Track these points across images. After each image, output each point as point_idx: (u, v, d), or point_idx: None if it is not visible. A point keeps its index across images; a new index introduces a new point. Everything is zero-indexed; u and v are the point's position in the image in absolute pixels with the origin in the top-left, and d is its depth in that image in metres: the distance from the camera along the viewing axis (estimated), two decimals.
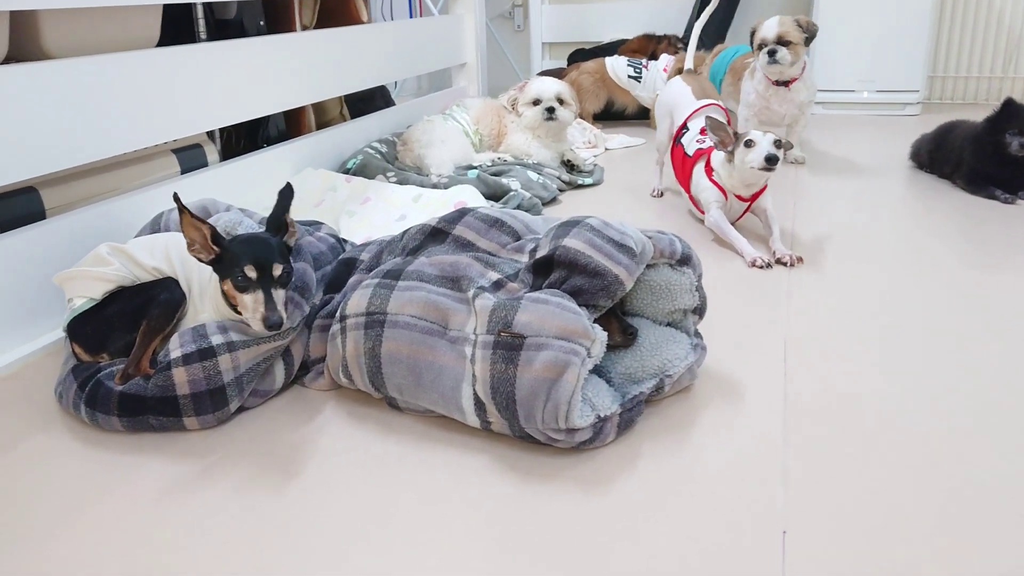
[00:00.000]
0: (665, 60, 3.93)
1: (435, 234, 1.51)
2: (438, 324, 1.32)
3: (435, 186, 2.56)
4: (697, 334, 1.46)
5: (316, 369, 1.46)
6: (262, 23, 2.68)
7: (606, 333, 1.27)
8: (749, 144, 2.06)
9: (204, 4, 2.41)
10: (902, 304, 1.77)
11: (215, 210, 1.65)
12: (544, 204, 2.63)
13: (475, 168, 2.74)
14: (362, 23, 3.12)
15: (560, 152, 3.00)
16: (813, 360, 1.51)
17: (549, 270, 1.34)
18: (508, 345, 1.22)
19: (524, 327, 1.23)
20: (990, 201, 2.58)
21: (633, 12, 4.73)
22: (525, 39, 5.01)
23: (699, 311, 1.46)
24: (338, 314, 1.40)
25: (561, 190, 2.80)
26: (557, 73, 4.22)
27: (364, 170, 2.65)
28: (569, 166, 3.03)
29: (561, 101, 2.89)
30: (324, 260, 1.59)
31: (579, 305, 1.30)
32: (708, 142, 2.28)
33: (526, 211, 2.49)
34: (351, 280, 1.50)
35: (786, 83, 2.98)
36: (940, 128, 2.94)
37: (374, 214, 2.33)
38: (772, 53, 2.88)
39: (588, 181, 2.89)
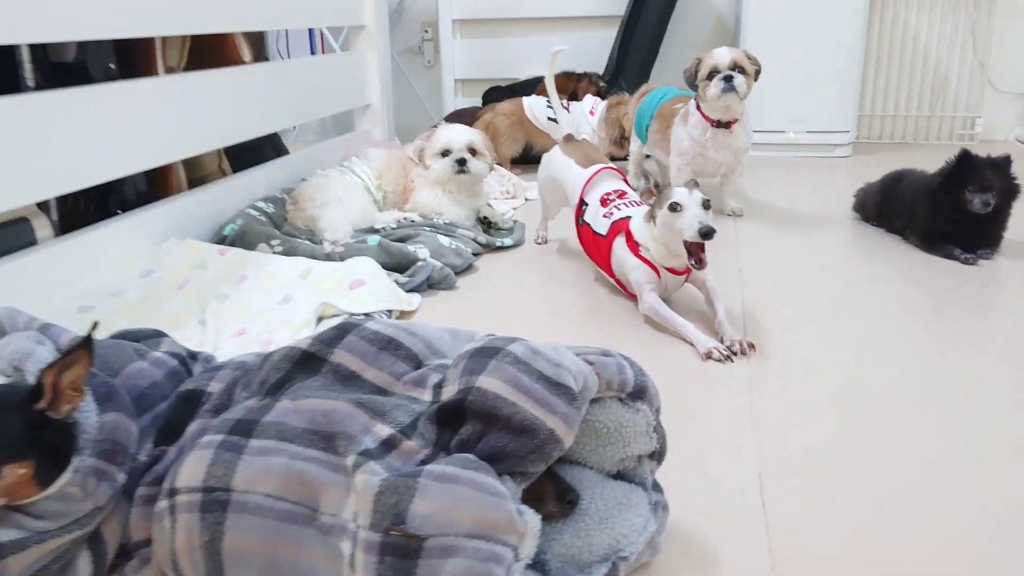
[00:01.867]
0: (591, 102, 3.64)
1: (306, 361, 1.12)
2: (304, 505, 0.93)
3: (328, 257, 2.18)
4: (656, 486, 1.12)
5: (140, 556, 1.06)
6: (112, 66, 2.25)
7: (539, 517, 0.92)
8: (675, 208, 1.76)
9: (31, 45, 1.98)
10: (880, 398, 1.47)
11: (12, 326, 1.23)
12: (457, 273, 2.27)
13: (377, 233, 2.36)
14: (243, 63, 2.71)
15: (475, 208, 2.65)
16: (794, 498, 1.19)
17: (460, 421, 0.98)
18: (401, 550, 0.85)
19: (424, 522, 0.86)
20: (948, 260, 2.34)
21: (551, 47, 4.44)
22: (436, 76, 4.67)
23: (657, 456, 1.12)
24: (166, 485, 1.00)
25: (477, 254, 2.45)
26: (470, 114, 3.89)
27: (244, 237, 2.24)
28: (486, 224, 2.69)
29: (474, 151, 2.55)
30: (158, 394, 1.18)
31: (501, 473, 0.94)
32: (621, 212, 1.99)
33: (436, 284, 2.13)
34: (190, 428, 1.10)
35: (727, 125, 2.71)
36: (887, 179, 2.72)
37: (251, 297, 1.92)
38: (728, 79, 2.60)
39: (508, 242, 2.55)
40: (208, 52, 2.55)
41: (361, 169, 2.60)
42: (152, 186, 2.43)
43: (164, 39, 2.39)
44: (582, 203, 2.14)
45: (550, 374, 1.00)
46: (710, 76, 2.65)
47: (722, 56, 2.65)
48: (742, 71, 2.64)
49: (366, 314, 1.84)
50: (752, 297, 2.08)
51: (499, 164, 3.63)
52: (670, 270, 1.89)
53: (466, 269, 2.33)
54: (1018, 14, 4.06)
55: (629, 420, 1.07)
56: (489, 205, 2.80)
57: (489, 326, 1.96)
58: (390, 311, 1.92)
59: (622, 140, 3.47)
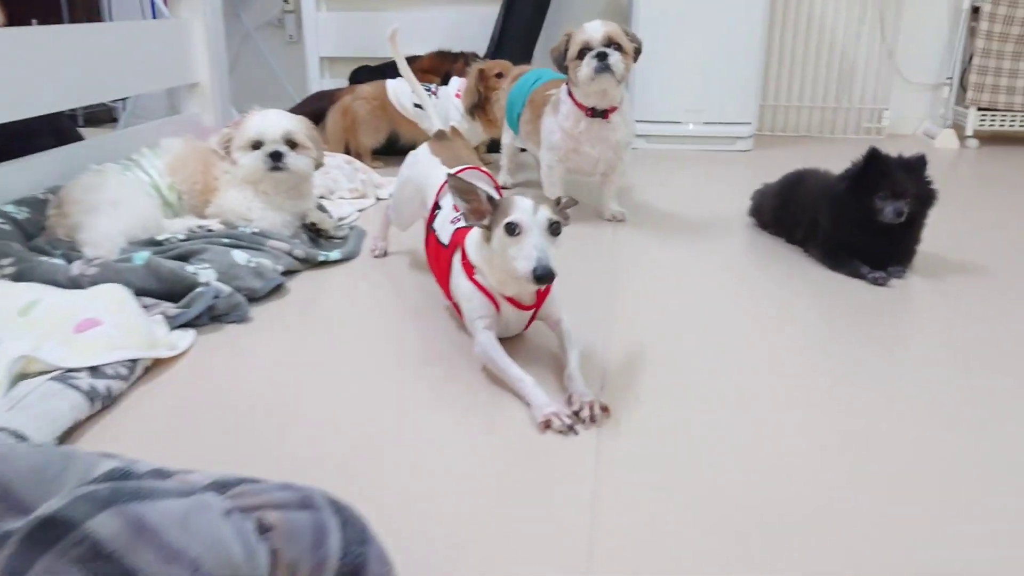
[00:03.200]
0: (457, 85, 3.18)
1: None
2: None
3: (75, 282, 1.66)
4: None
5: None
6: None
7: None
8: (513, 230, 1.33)
9: None
10: (763, 484, 1.06)
11: None
12: (260, 299, 1.79)
13: (149, 248, 1.85)
14: None
15: (299, 213, 2.16)
16: None
17: None
18: None
19: None
20: (854, 280, 1.98)
21: (428, 23, 3.97)
22: (299, 53, 4.13)
23: None
24: None
25: (292, 271, 1.97)
26: (328, 97, 3.38)
27: None
28: (315, 232, 2.20)
29: (293, 144, 2.05)
30: None
31: None
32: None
33: (222, 316, 1.65)
34: None
35: (604, 114, 2.29)
36: (785, 180, 2.34)
37: None
38: (603, 57, 2.18)
39: (334, 256, 2.07)
40: None
41: (150, 164, 2.08)
42: None
43: None
44: (436, 207, 1.69)
45: (177, 552, 0.54)
46: (581, 55, 2.22)
47: (594, 30, 2.22)
48: (619, 48, 2.22)
49: (93, 368, 1.35)
50: (622, 329, 1.66)
51: (357, 156, 3.15)
52: (512, 301, 1.45)
53: (274, 292, 1.85)
54: None
55: None
56: (322, 208, 2.31)
57: (278, 378, 1.51)
58: (134, 361, 1.42)
59: (474, 110, 3.02)
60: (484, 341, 1.43)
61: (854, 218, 2.02)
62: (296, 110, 3.53)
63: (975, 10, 3.64)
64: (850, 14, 3.77)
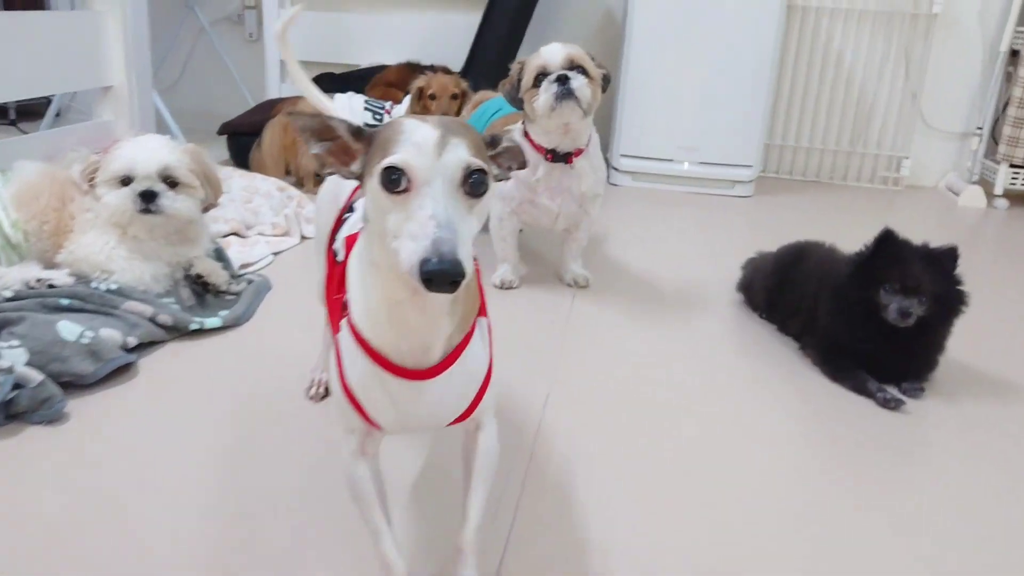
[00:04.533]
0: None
1: None
2: None
3: None
4: None
5: None
6: None
7: None
8: (394, 181, 0.77)
9: None
10: None
11: None
12: (92, 385, 1.38)
13: None
14: None
15: (180, 262, 1.76)
16: None
17: None
18: None
19: None
20: (859, 396, 1.57)
21: (402, 30, 3.56)
22: (259, 53, 3.73)
23: None
24: None
25: (153, 343, 1.57)
26: (275, 108, 2.97)
27: None
28: (202, 285, 1.80)
29: (173, 182, 1.65)
30: None
31: None
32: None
33: (27, 413, 1.26)
34: None
35: (567, 157, 1.89)
36: (782, 255, 1.93)
37: None
38: (563, 80, 1.77)
39: (211, 323, 1.66)
40: None
41: None
42: None
43: None
44: (348, 209, 1.13)
45: None
46: (537, 82, 1.81)
47: (553, 53, 1.82)
48: (583, 72, 1.81)
49: None
50: (559, 450, 1.25)
51: (299, 181, 2.75)
52: (397, 370, 0.89)
53: (118, 373, 1.44)
54: (960, 37, 3.37)
55: None
56: (219, 254, 1.90)
57: (85, 505, 1.11)
58: None
59: None
60: (346, 462, 0.98)
61: (858, 314, 1.61)
62: (243, 119, 3.14)
63: (1014, 53, 3.23)
64: (872, 49, 3.36)
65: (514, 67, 1.90)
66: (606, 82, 1.89)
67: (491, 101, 2.28)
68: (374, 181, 0.80)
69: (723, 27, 2.96)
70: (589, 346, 1.74)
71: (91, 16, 2.42)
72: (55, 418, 1.30)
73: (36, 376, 1.30)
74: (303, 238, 2.29)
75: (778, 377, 1.64)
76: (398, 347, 0.87)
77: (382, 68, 3.34)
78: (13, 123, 3.64)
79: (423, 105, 2.58)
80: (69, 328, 1.41)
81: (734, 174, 3.12)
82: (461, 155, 0.78)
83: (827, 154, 3.51)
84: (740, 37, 2.96)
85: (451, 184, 0.77)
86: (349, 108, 2.75)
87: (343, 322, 0.95)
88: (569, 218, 1.99)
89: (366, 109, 2.74)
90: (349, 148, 0.87)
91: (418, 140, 0.78)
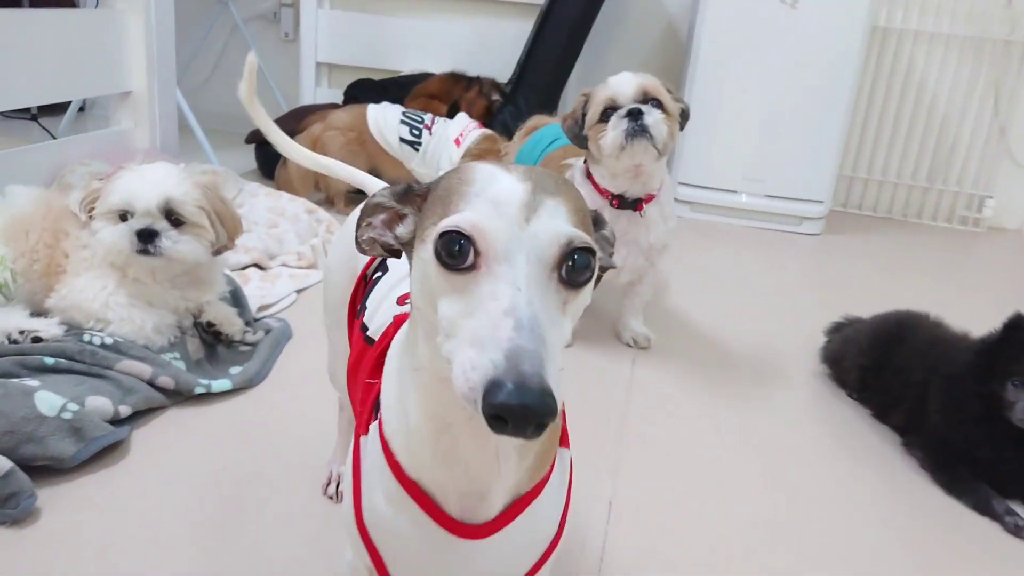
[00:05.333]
0: (462, 124, 2.54)
1: None
2: None
3: None
4: None
5: None
6: None
7: None
8: (457, 252, 0.54)
9: None
10: None
11: None
12: (72, 468, 1.16)
13: None
14: None
15: (191, 308, 1.53)
16: None
17: None
18: None
19: None
20: (979, 516, 1.31)
21: (447, 36, 3.32)
22: (294, 54, 3.51)
23: None
24: None
25: (152, 410, 1.34)
26: (307, 117, 2.75)
27: None
28: (213, 335, 1.57)
29: (177, 220, 1.42)
30: None
31: None
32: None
33: None
34: None
35: (636, 204, 1.64)
36: (880, 328, 1.66)
37: None
38: (635, 115, 1.53)
39: (219, 386, 1.43)
40: None
41: None
42: None
43: None
44: (369, 279, 0.92)
45: None
46: (605, 116, 1.57)
47: (624, 83, 1.58)
48: (658, 106, 1.57)
49: None
50: (622, 526, 1.01)
51: (329, 201, 2.53)
52: (438, 516, 0.65)
53: (104, 450, 1.22)
54: None
55: None
56: (235, 296, 1.67)
57: None
58: None
59: None
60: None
61: (978, 413, 1.36)
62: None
63: None
64: (958, 79, 3.06)
65: (577, 99, 1.66)
66: (684, 118, 1.64)
67: (546, 128, 2.04)
68: (426, 250, 0.56)
69: (799, 48, 2.69)
70: (654, 429, 1.49)
71: (110, 15, 2.20)
72: (21, 518, 1.08)
73: (3, 464, 1.08)
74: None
75: (876, 478, 1.39)
76: (443, 487, 0.64)
77: (424, 77, 3.10)
78: (34, 118, 3.46)
79: None
80: (48, 401, 1.18)
81: (802, 209, 2.85)
82: (560, 225, 0.55)
83: (902, 188, 3.22)
84: (817, 59, 2.69)
85: (542, 265, 0.54)
86: (384, 119, 2.52)
87: (373, 425, 0.72)
88: (633, 271, 1.74)
89: (403, 122, 2.51)
90: (396, 211, 0.64)
91: (497, 195, 0.55)
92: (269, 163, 2.87)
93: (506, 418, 0.47)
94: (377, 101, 3.13)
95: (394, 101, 3.09)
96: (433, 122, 2.53)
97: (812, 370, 1.78)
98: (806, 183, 2.82)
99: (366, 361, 0.80)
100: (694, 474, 1.36)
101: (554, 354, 0.51)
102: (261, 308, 1.77)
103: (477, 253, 0.54)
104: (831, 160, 2.80)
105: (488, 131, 2.50)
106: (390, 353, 0.72)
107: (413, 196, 0.63)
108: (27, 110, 3.51)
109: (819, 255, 2.69)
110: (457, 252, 0.54)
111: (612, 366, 1.72)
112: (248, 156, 3.00)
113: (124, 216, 1.40)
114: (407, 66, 3.34)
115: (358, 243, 0.66)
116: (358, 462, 0.74)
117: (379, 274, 0.90)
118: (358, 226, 0.65)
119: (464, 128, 2.48)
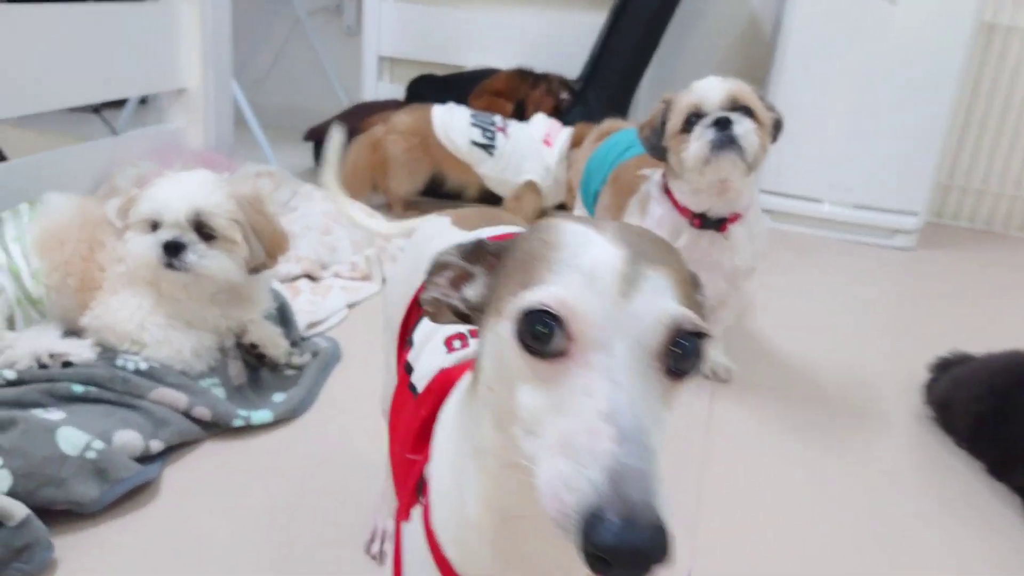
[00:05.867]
0: (545, 126, 2.38)
1: None
2: None
3: None
4: None
5: None
6: None
7: None
8: (546, 337, 0.45)
9: None
10: None
11: None
12: (96, 512, 1.06)
13: None
14: None
15: (233, 327, 1.42)
16: None
17: None
18: None
19: None
20: None
21: (514, 29, 3.17)
22: (356, 48, 3.40)
23: None
24: None
25: (186, 443, 1.24)
26: (363, 117, 2.63)
27: None
28: (257, 358, 1.46)
29: (209, 233, 1.30)
30: None
31: None
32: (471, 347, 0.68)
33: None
34: None
35: (720, 224, 1.47)
36: (999, 370, 1.46)
37: None
38: (723, 124, 1.36)
39: (259, 418, 1.31)
40: None
41: (14, 235, 1.37)
42: None
43: None
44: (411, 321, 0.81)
45: None
46: (688, 125, 1.40)
47: (710, 89, 1.40)
48: (749, 113, 1.39)
49: None
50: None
51: (387, 205, 2.42)
52: None
53: (131, 491, 1.12)
54: None
55: None
56: (282, 313, 1.56)
57: None
58: None
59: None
60: None
61: None
62: (330, 123, 2.81)
63: None
64: None
65: (656, 106, 1.49)
66: (776, 129, 1.47)
67: (621, 134, 1.87)
68: (504, 327, 0.47)
69: (897, 46, 2.46)
70: (734, 476, 1.33)
71: (164, 7, 2.11)
72: (36, 573, 0.97)
73: (18, 511, 0.98)
74: (384, 282, 1.94)
75: (991, 547, 1.20)
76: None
77: (489, 73, 2.96)
78: (97, 111, 3.42)
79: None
80: (71, 438, 1.08)
81: (895, 221, 2.62)
82: (665, 303, 0.46)
83: (1003, 200, 2.96)
84: (918, 58, 2.46)
85: (644, 353, 0.45)
86: (451, 121, 2.38)
87: (415, 510, 0.60)
88: (714, 296, 1.57)
89: (474, 124, 2.37)
90: (465, 272, 0.54)
91: (591, 265, 0.46)
92: None
93: (611, 558, 0.39)
94: (441, 98, 3.00)
95: (458, 98, 2.96)
96: (506, 124, 2.38)
97: (913, 411, 1.59)
98: (899, 192, 2.60)
99: (406, 423, 0.68)
100: (779, 529, 1.19)
101: (661, 467, 0.42)
102: (310, 325, 1.65)
103: (568, 337, 0.44)
104: (928, 167, 2.57)
105: (577, 127, 2.34)
106: (441, 425, 0.60)
107: (485, 254, 0.53)
108: None
109: (913, 272, 2.47)
110: (544, 335, 0.44)
111: (689, 400, 1.56)
112: (307, 153, 2.91)
113: (155, 225, 1.29)
114: (472, 61, 3.20)
115: (422, 304, 0.56)
116: (399, 554, 0.62)
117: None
118: (423, 285, 0.56)
119: (549, 128, 2.31)
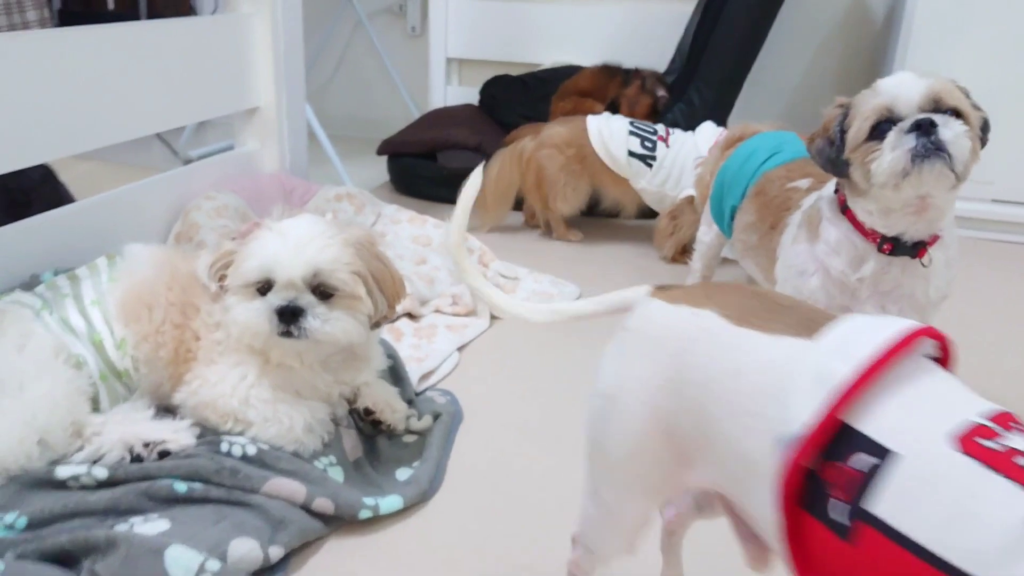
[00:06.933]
0: (711, 131, 2.12)
1: None
2: None
3: None
4: None
5: None
6: None
7: None
8: None
9: None
10: None
11: None
12: None
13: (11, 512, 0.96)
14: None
15: (345, 393, 1.23)
16: None
17: None
18: None
19: None
20: None
21: (595, 22, 2.94)
22: (422, 50, 3.20)
23: None
24: None
25: (308, 545, 1.04)
26: (467, 124, 2.42)
27: None
28: (372, 424, 1.26)
29: (327, 292, 1.10)
30: None
31: None
32: None
33: None
34: None
35: (915, 249, 1.23)
36: None
37: None
38: (928, 129, 1.11)
39: (389, 505, 1.11)
40: None
41: (92, 296, 1.18)
42: None
43: None
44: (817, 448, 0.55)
45: None
46: (878, 133, 1.16)
47: (906, 87, 1.16)
48: (957, 115, 1.15)
49: None
50: None
51: (546, 226, 2.24)
52: None
53: None
54: None
55: None
56: (394, 370, 1.36)
57: None
58: None
59: None
60: None
61: None
62: (408, 136, 2.61)
63: None
64: None
65: (830, 111, 1.25)
66: (984, 131, 1.22)
67: (757, 139, 1.63)
68: None
69: None
70: None
71: (233, 21, 1.92)
72: None
73: None
74: (492, 318, 1.73)
75: None
76: None
77: (571, 71, 2.73)
78: (157, 134, 3.27)
79: None
80: (182, 561, 0.89)
81: None
82: None
83: None
84: None
85: None
86: (608, 131, 2.14)
87: None
88: None
89: (633, 133, 2.13)
90: None
91: None
92: (406, 179, 2.57)
93: None
94: (519, 99, 2.79)
95: (537, 99, 2.74)
96: (668, 133, 2.15)
97: None
98: None
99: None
100: None
101: None
102: (422, 377, 1.45)
103: None
104: None
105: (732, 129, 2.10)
106: None
107: None
108: None
109: None
110: None
111: None
112: (378, 167, 2.72)
113: (264, 287, 1.09)
114: (548, 59, 2.98)
115: None
116: None
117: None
118: None
119: (718, 136, 2.07)
